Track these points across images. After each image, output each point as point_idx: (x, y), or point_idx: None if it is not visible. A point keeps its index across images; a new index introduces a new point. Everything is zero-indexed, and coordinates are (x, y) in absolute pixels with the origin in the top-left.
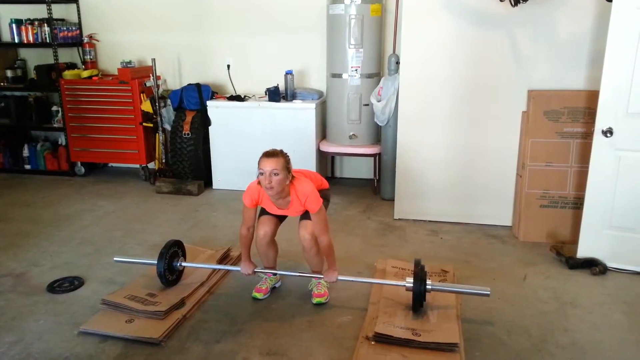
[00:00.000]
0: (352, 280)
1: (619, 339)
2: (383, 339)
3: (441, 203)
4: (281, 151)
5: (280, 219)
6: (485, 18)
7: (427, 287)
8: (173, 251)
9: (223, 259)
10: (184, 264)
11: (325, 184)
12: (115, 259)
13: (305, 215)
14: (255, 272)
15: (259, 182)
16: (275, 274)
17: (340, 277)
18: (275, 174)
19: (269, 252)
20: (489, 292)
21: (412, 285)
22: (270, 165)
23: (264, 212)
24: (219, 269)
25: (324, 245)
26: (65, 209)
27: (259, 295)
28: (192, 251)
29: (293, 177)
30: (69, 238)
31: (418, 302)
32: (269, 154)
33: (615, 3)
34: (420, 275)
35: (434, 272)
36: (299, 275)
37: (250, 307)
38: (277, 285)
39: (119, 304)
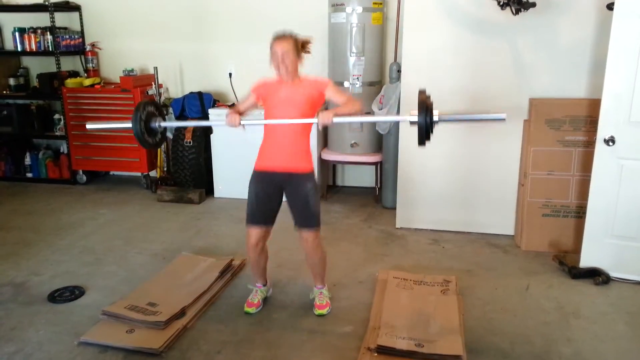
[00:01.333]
0: (347, 121)
1: (622, 350)
2: (386, 351)
3: (443, 212)
4: (290, 34)
5: (268, 219)
6: (486, 26)
7: (434, 118)
8: (148, 111)
9: (226, 270)
10: (163, 124)
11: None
12: (88, 126)
13: (305, 222)
14: (243, 125)
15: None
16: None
17: (335, 119)
18: (286, 54)
19: (261, 260)
20: (504, 117)
21: (416, 118)
22: (280, 46)
23: (249, 219)
24: (219, 279)
25: (348, 99)
26: (66, 218)
27: (251, 310)
28: (193, 260)
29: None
30: (70, 247)
31: (424, 135)
32: (279, 36)
33: (617, 11)
34: (425, 105)
35: (436, 282)
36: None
37: (251, 317)
38: (268, 294)
39: (119, 314)
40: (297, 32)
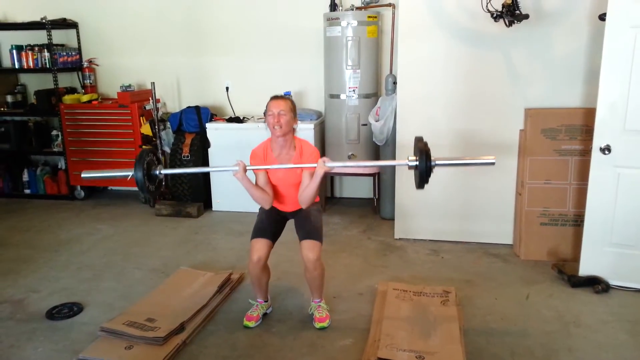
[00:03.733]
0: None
1: (624, 359)
2: None
3: (441, 222)
4: (288, 97)
5: (275, 237)
6: (480, 38)
7: (432, 163)
8: (149, 159)
9: (224, 284)
10: (163, 171)
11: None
12: (83, 175)
13: (307, 235)
14: (246, 169)
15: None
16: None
17: (329, 164)
18: (282, 114)
19: (262, 277)
20: (494, 161)
21: (415, 163)
22: (277, 106)
23: (257, 233)
24: (218, 294)
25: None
26: (64, 234)
27: (250, 324)
28: (191, 274)
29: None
30: (68, 263)
31: (423, 180)
32: (277, 97)
33: (609, 22)
34: (424, 150)
35: (436, 293)
36: (291, 167)
37: (250, 331)
38: (268, 311)
39: (117, 330)
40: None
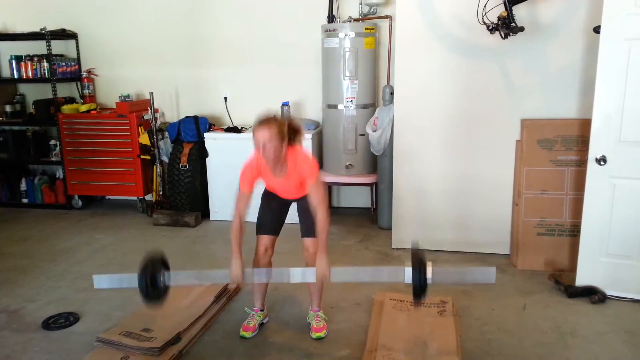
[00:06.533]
0: (348, 280)
1: None
2: None
3: (438, 232)
4: (274, 117)
5: (277, 230)
6: (476, 50)
7: (428, 278)
8: (156, 266)
9: (221, 294)
10: (169, 280)
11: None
12: (95, 283)
13: (308, 233)
14: (244, 273)
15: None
16: (267, 279)
17: (332, 268)
18: (266, 145)
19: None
20: (494, 278)
21: (410, 276)
22: (261, 136)
23: (259, 229)
24: (215, 304)
25: (320, 218)
26: (61, 243)
27: (247, 334)
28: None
29: (293, 144)
30: (65, 272)
31: (419, 294)
32: (261, 123)
33: (603, 34)
34: (419, 264)
35: (433, 302)
36: (294, 276)
37: (247, 341)
38: (264, 321)
39: (114, 341)
40: (282, 116)
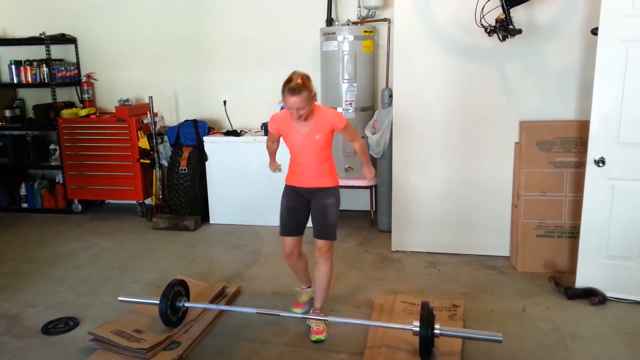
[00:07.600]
0: (355, 323)
1: None
2: None
3: (438, 234)
4: (303, 82)
5: (300, 230)
6: (474, 52)
7: (435, 332)
8: (176, 290)
9: (218, 297)
10: (187, 304)
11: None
12: (120, 298)
13: (321, 234)
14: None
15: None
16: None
17: (338, 319)
18: (300, 109)
19: (299, 264)
20: (501, 338)
21: (418, 329)
22: (294, 104)
23: (282, 231)
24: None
25: (359, 145)
26: (61, 248)
27: (297, 311)
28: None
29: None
30: (64, 277)
31: (426, 348)
32: (292, 90)
33: (601, 36)
34: (427, 318)
35: (444, 307)
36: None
37: (247, 346)
38: (314, 295)
39: (105, 338)
40: (306, 72)
